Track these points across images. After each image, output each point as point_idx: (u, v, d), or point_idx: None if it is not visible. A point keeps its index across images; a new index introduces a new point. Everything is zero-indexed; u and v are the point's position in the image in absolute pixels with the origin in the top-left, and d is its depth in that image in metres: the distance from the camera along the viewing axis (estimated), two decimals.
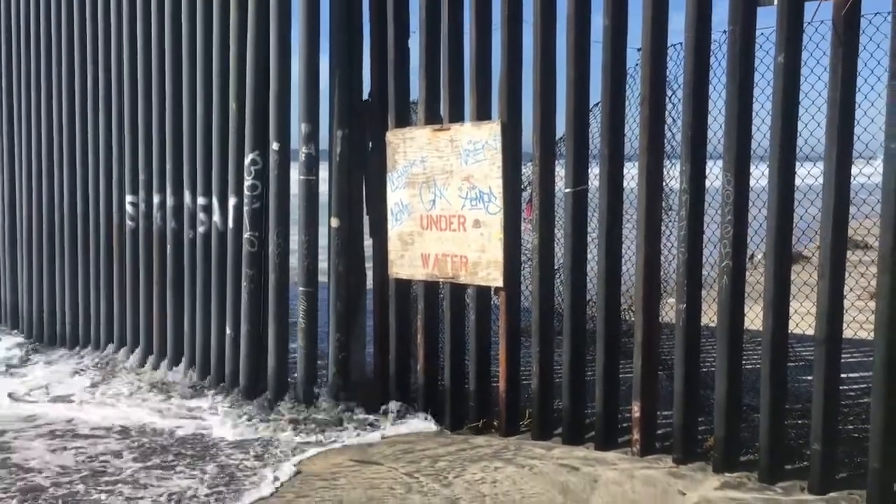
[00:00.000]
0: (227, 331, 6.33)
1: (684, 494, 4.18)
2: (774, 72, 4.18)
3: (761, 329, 4.35)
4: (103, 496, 4.23)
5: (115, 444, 5.10)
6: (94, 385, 6.56)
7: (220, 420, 5.62)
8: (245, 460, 4.82)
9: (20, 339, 8.16)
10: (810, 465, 4.20)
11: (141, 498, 4.21)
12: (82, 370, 7.04)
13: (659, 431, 4.87)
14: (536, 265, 5.20)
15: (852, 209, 4.08)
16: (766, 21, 4.24)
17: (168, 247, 6.81)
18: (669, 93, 4.83)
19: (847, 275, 4.12)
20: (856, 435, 4.76)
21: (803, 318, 4.75)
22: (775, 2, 4.17)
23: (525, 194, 5.52)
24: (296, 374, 6.09)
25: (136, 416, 5.71)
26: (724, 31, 4.39)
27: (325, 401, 5.83)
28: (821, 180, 4.13)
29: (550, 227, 5.21)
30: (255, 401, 5.96)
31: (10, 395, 6.34)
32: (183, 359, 6.77)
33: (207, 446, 5.10)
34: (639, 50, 4.75)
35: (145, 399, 6.15)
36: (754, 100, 4.35)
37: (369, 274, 6.13)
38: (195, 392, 6.30)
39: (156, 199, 6.90)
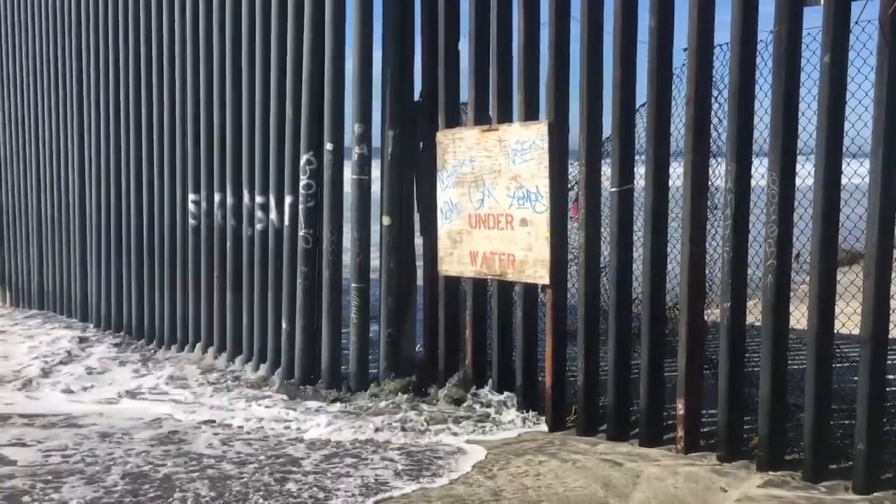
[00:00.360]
0: (283, 325, 6.55)
1: (726, 491, 4.21)
2: (821, 71, 4.18)
3: (806, 328, 4.35)
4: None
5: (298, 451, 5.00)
6: (171, 378, 6.72)
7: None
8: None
9: (81, 333, 8.51)
10: (854, 464, 4.19)
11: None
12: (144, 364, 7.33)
13: (704, 429, 4.90)
14: (583, 263, 5.27)
15: None
16: (813, 21, 4.25)
17: (227, 244, 7.07)
18: (715, 93, 4.84)
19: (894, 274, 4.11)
20: None
21: (850, 318, 4.72)
22: (822, 2, 4.17)
23: (571, 193, 5.58)
24: (347, 368, 6.28)
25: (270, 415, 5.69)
26: (771, 31, 4.40)
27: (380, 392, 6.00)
28: (867, 179, 4.12)
29: (597, 225, 5.28)
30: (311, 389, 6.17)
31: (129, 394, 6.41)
32: (243, 352, 7.02)
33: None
34: (685, 50, 4.79)
35: (246, 397, 6.16)
36: (801, 99, 4.35)
37: (420, 271, 6.29)
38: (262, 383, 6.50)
39: (216, 198, 7.17)
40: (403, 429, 5.30)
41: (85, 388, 6.48)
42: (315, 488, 4.34)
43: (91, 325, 8.75)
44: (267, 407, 5.86)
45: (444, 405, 5.77)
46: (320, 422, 5.45)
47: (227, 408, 5.90)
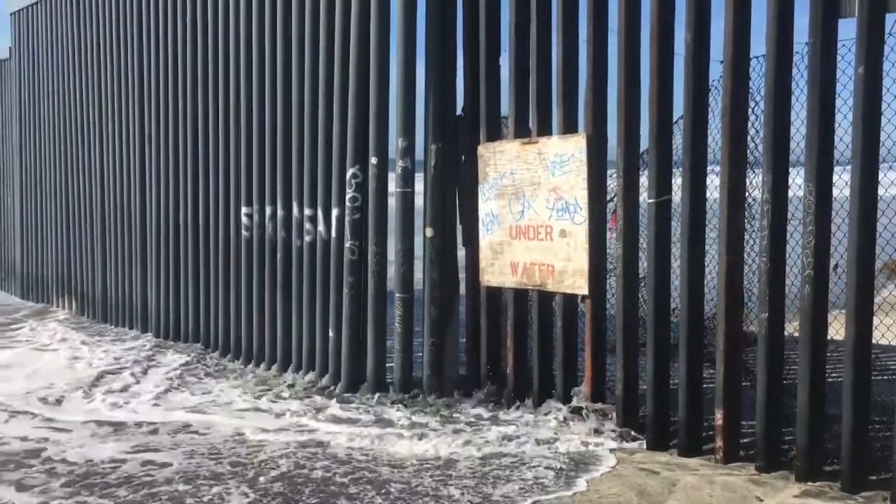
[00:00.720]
0: (330, 333, 6.74)
1: (762, 501, 4.22)
2: (855, 83, 4.19)
3: (844, 338, 4.34)
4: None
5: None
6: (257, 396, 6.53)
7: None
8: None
9: (151, 340, 8.84)
10: (893, 476, 4.16)
11: None
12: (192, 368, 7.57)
13: (744, 440, 4.89)
14: (621, 274, 5.33)
15: None
16: (849, 33, 4.26)
17: (278, 254, 7.31)
18: (752, 104, 4.87)
19: None
20: None
21: (889, 329, 4.68)
22: (856, 13, 4.18)
23: (610, 205, 5.65)
24: (391, 376, 6.43)
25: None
26: (806, 43, 4.42)
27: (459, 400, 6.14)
28: None
29: (635, 236, 5.34)
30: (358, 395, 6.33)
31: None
32: (292, 360, 7.23)
33: None
34: (721, 62, 4.83)
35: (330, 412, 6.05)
36: (836, 110, 4.35)
37: (462, 282, 6.42)
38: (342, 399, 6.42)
39: (268, 211, 7.42)
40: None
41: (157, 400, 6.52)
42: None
43: (150, 335, 9.06)
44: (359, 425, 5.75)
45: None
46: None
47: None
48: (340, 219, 6.62)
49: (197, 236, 8.37)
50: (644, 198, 5.27)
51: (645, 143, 5.26)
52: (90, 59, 9.98)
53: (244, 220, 7.69)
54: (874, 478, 4.33)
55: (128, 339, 8.91)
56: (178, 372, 7.38)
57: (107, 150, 9.75)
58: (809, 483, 4.40)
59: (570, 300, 5.67)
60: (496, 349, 6.21)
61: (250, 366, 7.58)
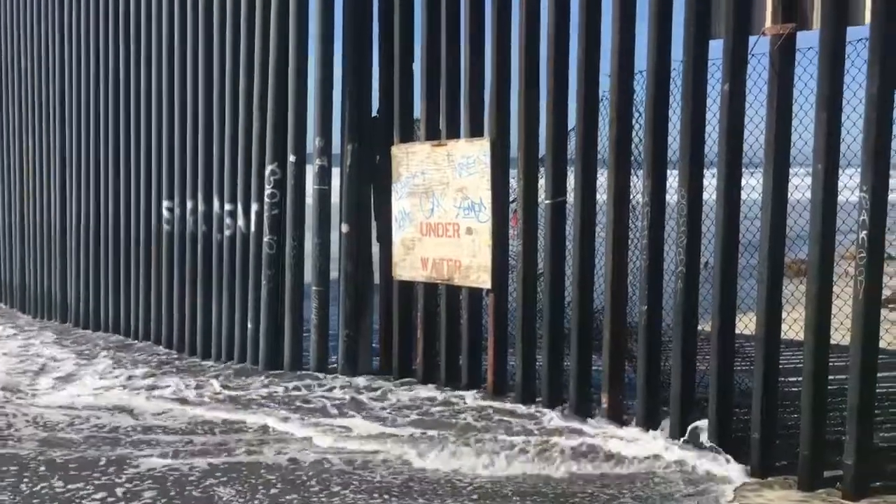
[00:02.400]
0: (249, 324, 6.99)
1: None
2: (721, 98, 4.66)
3: (710, 328, 4.83)
4: None
5: None
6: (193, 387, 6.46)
7: None
8: None
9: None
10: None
11: None
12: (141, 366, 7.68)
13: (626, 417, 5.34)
14: (521, 270, 5.76)
15: None
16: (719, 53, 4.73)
17: (199, 247, 7.51)
18: (636, 115, 5.32)
19: None
20: None
21: (752, 321, 5.18)
22: (723, 35, 4.66)
23: (512, 205, 6.05)
24: (307, 364, 6.73)
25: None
26: (681, 61, 4.88)
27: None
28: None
29: (533, 235, 5.75)
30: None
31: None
32: (212, 350, 7.45)
33: None
34: (609, 76, 5.27)
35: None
36: (706, 122, 4.83)
37: (376, 276, 6.75)
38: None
39: (189, 205, 7.61)
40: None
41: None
42: None
43: (70, 325, 9.14)
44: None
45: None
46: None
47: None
48: (259, 214, 6.87)
49: (118, 229, 8.48)
50: (542, 199, 5.69)
51: (543, 148, 5.68)
52: (9, 53, 9.96)
53: (165, 213, 7.86)
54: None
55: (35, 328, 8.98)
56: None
57: (26, 140, 9.75)
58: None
59: (475, 294, 6.06)
60: (408, 340, 6.57)
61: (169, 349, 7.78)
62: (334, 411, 5.71)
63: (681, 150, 4.88)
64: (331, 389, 6.21)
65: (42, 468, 4.68)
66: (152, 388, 6.40)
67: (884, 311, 4.34)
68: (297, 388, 6.25)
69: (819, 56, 4.29)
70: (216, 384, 6.40)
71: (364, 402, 5.89)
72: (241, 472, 4.59)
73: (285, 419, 5.52)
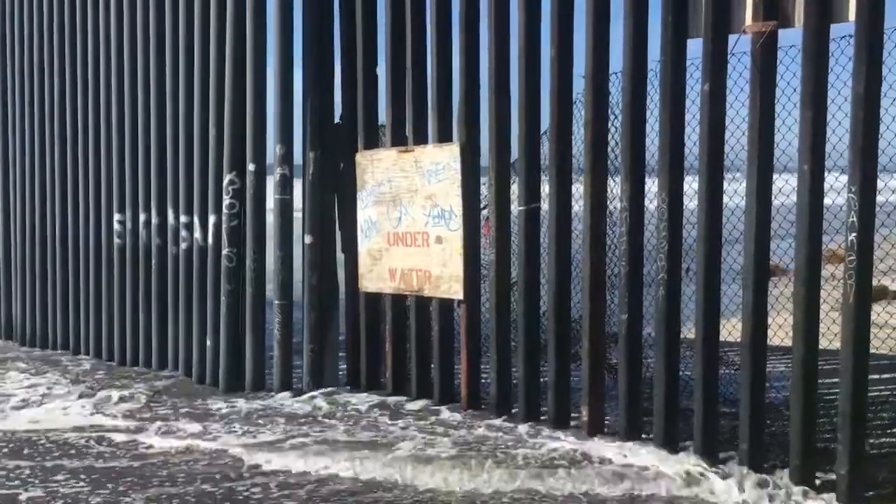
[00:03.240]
0: (208, 342, 6.66)
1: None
2: (701, 98, 4.52)
3: (694, 337, 4.67)
4: None
5: None
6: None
7: None
8: None
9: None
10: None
11: None
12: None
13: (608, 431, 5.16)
14: (493, 279, 5.55)
15: None
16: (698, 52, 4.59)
17: (153, 262, 7.15)
18: (612, 117, 5.17)
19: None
20: None
21: (735, 327, 5.05)
22: (702, 34, 4.52)
23: (484, 212, 5.85)
24: (272, 381, 6.42)
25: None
26: (659, 61, 4.74)
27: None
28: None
29: (507, 242, 5.55)
30: None
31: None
32: (168, 368, 7.09)
33: None
34: (583, 76, 5.11)
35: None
36: (686, 124, 4.69)
37: (342, 288, 6.48)
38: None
39: (141, 218, 7.25)
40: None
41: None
42: None
43: (12, 343, 8.70)
44: None
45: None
46: None
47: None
48: (217, 226, 6.55)
49: (66, 243, 8.07)
50: (515, 205, 5.50)
51: (516, 152, 5.49)
52: None
53: (117, 227, 7.49)
54: (723, 454, 4.63)
55: None
56: None
57: None
58: None
59: (446, 305, 5.83)
60: (375, 354, 6.31)
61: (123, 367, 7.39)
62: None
63: (660, 153, 4.73)
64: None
65: None
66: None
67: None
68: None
69: (803, 54, 4.16)
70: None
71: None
72: None
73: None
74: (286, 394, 6.24)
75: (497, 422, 5.38)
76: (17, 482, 4.55)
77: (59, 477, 4.62)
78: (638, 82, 4.81)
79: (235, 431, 5.42)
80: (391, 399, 5.99)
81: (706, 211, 4.54)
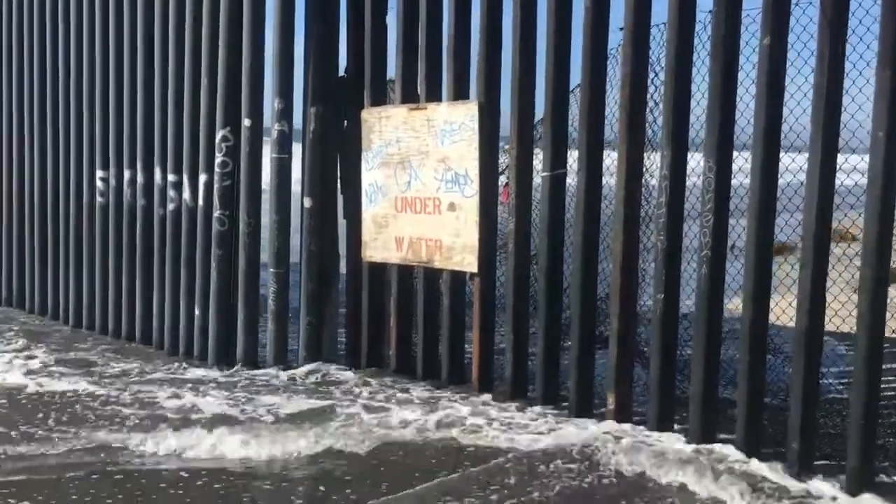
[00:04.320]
0: (196, 311, 6.16)
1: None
2: (759, 55, 4.02)
3: (741, 320, 4.22)
4: None
5: None
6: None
7: None
8: None
9: None
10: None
11: None
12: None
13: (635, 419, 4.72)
14: (512, 251, 5.06)
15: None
16: (754, 2, 4.09)
17: (138, 223, 6.62)
18: (651, 75, 4.66)
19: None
20: None
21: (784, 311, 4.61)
22: None
23: (502, 178, 5.35)
24: (265, 356, 5.93)
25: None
26: (709, 12, 4.23)
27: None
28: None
29: (527, 211, 5.06)
30: None
31: None
32: (153, 339, 6.59)
33: None
34: (621, 29, 4.60)
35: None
36: (739, 83, 4.19)
37: (343, 257, 5.98)
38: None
39: (126, 175, 6.70)
40: None
41: None
42: None
43: None
44: None
45: None
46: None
47: None
48: (209, 186, 6.02)
49: (45, 202, 7.52)
50: (538, 171, 5.00)
51: (540, 113, 4.98)
52: None
53: (99, 184, 6.93)
54: (768, 450, 4.21)
55: None
56: None
57: None
58: None
59: (458, 278, 5.35)
60: (378, 329, 5.83)
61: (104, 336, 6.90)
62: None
63: (708, 115, 4.23)
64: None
65: None
66: None
67: None
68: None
69: (882, 4, 3.66)
70: None
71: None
72: None
73: None
74: (276, 368, 5.76)
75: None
76: None
77: None
78: (684, 35, 4.30)
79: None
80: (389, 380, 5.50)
81: (760, 181, 4.05)
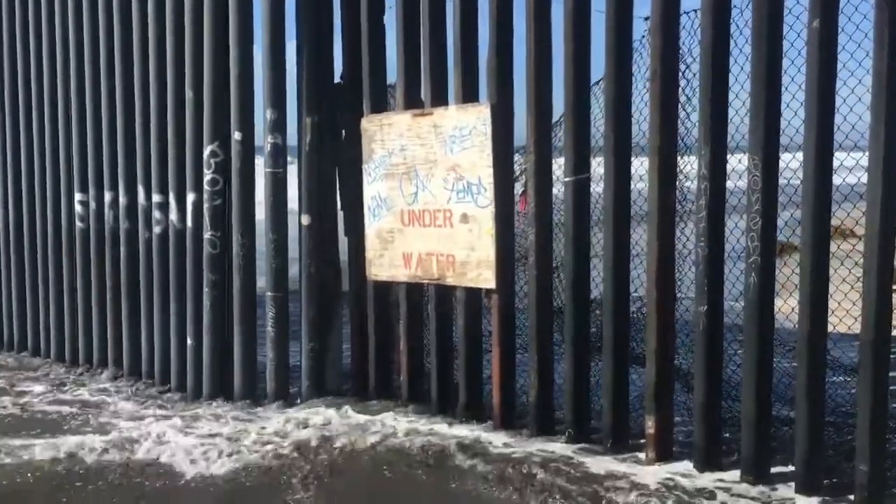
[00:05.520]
0: (189, 341, 5.70)
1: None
2: (808, 39, 3.64)
3: (798, 334, 3.82)
4: None
5: None
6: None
7: None
8: None
9: None
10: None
11: None
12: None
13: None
14: (533, 264, 4.65)
15: None
16: None
17: (122, 248, 6.16)
18: (682, 67, 4.27)
19: None
20: None
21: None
22: None
23: (518, 185, 4.94)
24: (265, 386, 5.47)
25: None
26: None
27: None
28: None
29: (548, 220, 4.66)
30: None
31: None
32: (143, 373, 6.12)
33: None
34: (646, 19, 4.22)
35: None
36: (783, 71, 3.81)
37: (345, 276, 5.54)
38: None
39: (107, 197, 6.25)
40: None
41: None
42: None
43: None
44: None
45: None
46: None
47: None
48: (198, 205, 5.57)
49: (20, 229, 7.05)
50: (559, 176, 4.60)
51: (558, 112, 4.59)
52: None
53: (78, 208, 6.47)
54: (827, 482, 3.83)
55: None
56: None
57: None
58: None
59: (473, 295, 4.92)
60: (386, 354, 5.39)
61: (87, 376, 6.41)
62: None
63: (752, 108, 3.83)
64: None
65: None
66: None
67: None
68: None
69: None
70: None
71: None
72: None
73: None
74: (278, 403, 5.31)
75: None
76: None
77: None
78: (721, 20, 3.91)
79: None
80: (395, 415, 4.99)
81: (813, 177, 3.66)
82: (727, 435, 4.23)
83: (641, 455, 4.27)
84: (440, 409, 5.03)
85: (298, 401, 5.37)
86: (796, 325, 3.78)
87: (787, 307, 4.18)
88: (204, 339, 5.57)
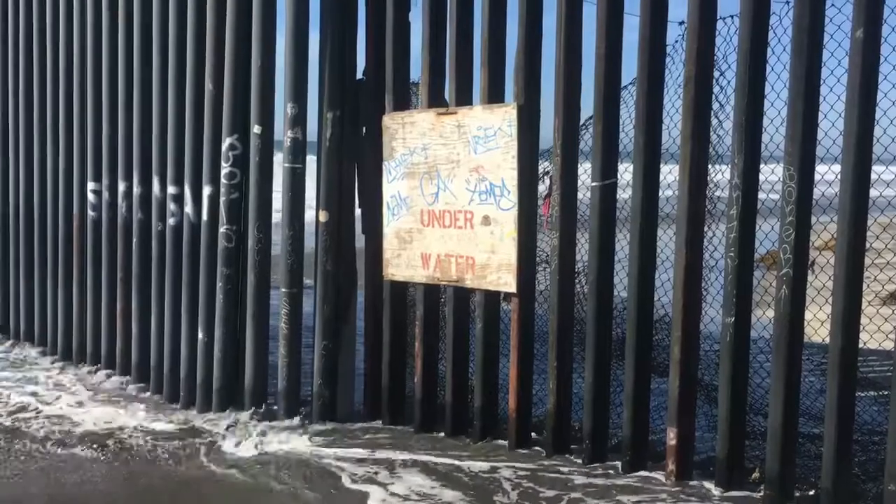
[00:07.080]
0: (200, 335, 5.62)
1: None
2: (851, 48, 3.56)
3: (830, 349, 3.73)
4: None
5: None
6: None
7: None
8: None
9: None
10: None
11: None
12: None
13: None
14: (556, 269, 4.56)
15: None
16: None
17: (134, 240, 6.08)
18: (717, 73, 4.19)
19: None
20: None
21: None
22: None
23: (542, 188, 4.85)
24: (276, 384, 5.39)
25: None
26: (787, 2, 3.77)
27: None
28: None
29: (572, 225, 4.57)
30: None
31: None
32: (152, 367, 6.03)
33: None
34: (681, 24, 4.14)
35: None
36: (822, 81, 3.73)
37: (361, 274, 5.46)
38: None
39: (121, 187, 6.17)
40: None
41: None
42: None
43: None
44: None
45: None
46: None
47: None
48: (214, 198, 5.48)
49: (30, 218, 6.99)
50: (585, 180, 4.51)
51: (586, 115, 4.51)
52: None
53: (91, 197, 6.40)
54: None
55: None
56: None
57: None
58: None
59: (492, 299, 4.84)
60: (400, 355, 5.31)
61: (99, 373, 6.33)
62: None
63: (789, 116, 3.75)
64: None
65: None
66: None
67: None
68: None
69: None
70: None
71: None
72: None
73: None
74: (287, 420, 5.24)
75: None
76: None
77: None
78: (759, 27, 3.83)
79: None
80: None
81: (851, 190, 3.58)
82: (756, 453, 4.14)
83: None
84: (453, 432, 4.94)
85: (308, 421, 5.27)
86: (824, 340, 3.70)
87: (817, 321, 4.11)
88: (215, 334, 5.48)
